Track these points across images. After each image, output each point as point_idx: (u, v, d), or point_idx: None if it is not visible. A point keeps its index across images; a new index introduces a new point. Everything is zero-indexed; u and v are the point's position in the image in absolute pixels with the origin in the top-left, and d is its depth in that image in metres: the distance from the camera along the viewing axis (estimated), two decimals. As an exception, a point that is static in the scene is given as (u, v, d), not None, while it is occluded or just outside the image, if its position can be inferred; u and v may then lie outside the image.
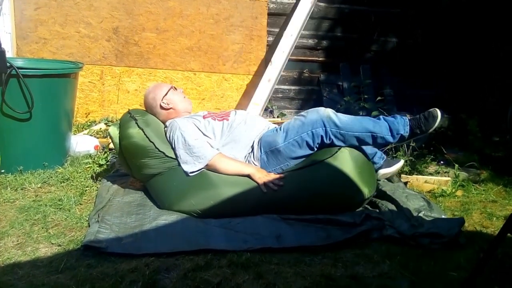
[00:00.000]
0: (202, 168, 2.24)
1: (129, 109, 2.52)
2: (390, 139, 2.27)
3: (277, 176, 2.21)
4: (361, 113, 4.20)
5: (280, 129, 2.32)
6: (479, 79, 4.44)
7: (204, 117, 2.44)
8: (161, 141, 2.32)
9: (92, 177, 2.72)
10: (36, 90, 2.64)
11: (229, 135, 2.38)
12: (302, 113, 2.33)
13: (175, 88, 2.56)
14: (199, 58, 4.07)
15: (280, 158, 2.28)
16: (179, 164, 2.27)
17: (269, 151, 2.30)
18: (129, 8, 3.87)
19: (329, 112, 2.26)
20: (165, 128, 2.42)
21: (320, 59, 4.42)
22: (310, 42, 4.35)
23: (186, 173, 2.24)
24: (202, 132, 2.35)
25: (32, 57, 3.67)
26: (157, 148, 2.28)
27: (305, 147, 2.25)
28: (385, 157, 2.59)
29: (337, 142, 2.24)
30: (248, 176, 2.21)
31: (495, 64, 4.44)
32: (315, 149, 2.27)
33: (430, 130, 2.24)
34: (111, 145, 3.04)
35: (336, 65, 4.40)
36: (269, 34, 4.22)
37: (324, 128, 2.21)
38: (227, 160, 2.26)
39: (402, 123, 2.26)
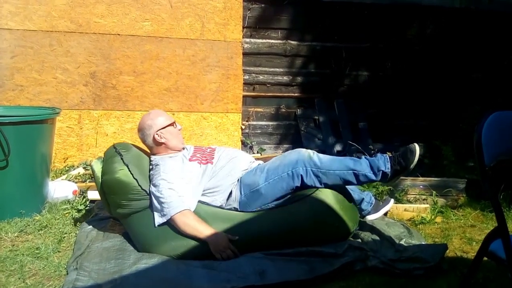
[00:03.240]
0: (167, 222, 2.17)
1: (114, 143, 2.50)
2: (373, 176, 2.24)
3: (234, 250, 2.13)
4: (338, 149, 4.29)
5: (259, 170, 2.33)
6: (452, 106, 4.61)
7: (190, 159, 2.40)
8: (144, 179, 2.30)
9: (70, 223, 2.67)
10: (13, 137, 2.62)
11: (210, 180, 2.35)
12: (283, 153, 2.33)
13: (176, 125, 2.47)
14: (177, 98, 4.12)
15: (261, 198, 2.27)
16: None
17: (249, 192, 2.30)
18: (106, 53, 3.93)
19: (309, 152, 2.29)
20: (150, 165, 2.39)
21: (296, 94, 4.53)
22: (285, 78, 4.47)
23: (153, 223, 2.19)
24: (186, 174, 2.31)
25: (8, 105, 3.66)
26: (140, 186, 2.25)
27: (285, 187, 2.25)
28: (373, 201, 2.57)
29: (317, 183, 2.23)
30: (205, 241, 2.13)
31: (466, 90, 4.63)
32: (295, 188, 2.27)
33: (411, 166, 2.20)
34: (89, 194, 2.99)
35: (311, 100, 4.52)
36: (245, 72, 4.33)
37: (304, 168, 2.22)
38: (188, 221, 2.15)
39: (383, 160, 2.24)
